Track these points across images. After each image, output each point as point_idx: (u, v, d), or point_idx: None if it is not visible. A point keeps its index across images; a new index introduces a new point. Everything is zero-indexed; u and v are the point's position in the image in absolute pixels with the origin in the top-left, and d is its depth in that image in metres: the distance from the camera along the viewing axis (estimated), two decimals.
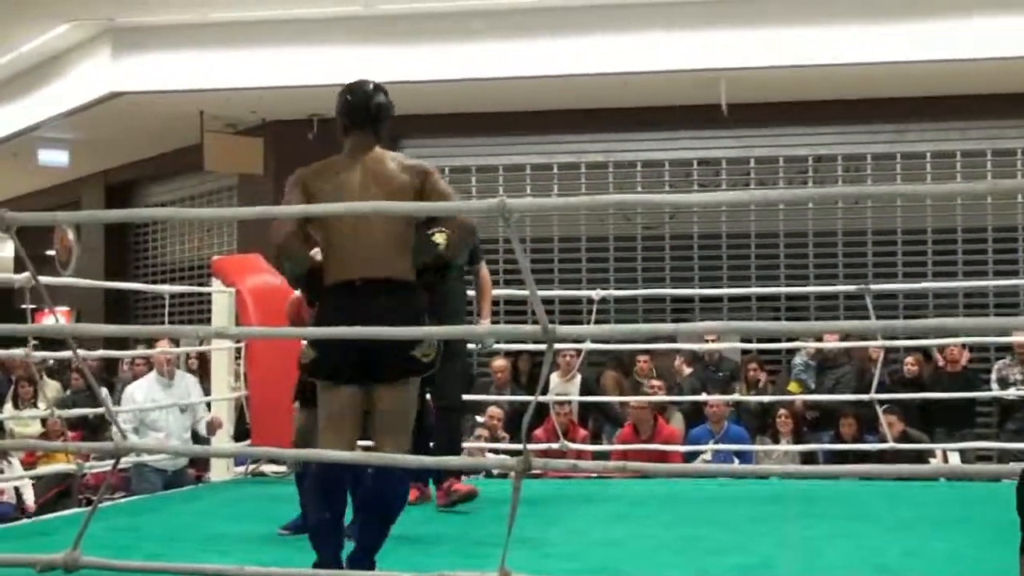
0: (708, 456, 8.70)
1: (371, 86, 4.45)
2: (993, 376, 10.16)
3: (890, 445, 7.89)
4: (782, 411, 9.48)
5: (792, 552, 5.21)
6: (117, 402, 10.75)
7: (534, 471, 3.70)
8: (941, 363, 10.13)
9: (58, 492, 9.89)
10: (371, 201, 4.17)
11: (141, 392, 8.37)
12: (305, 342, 4.47)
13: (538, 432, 8.79)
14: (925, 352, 10.02)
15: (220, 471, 8.32)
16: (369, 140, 4.37)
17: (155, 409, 8.20)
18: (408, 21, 11.39)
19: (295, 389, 5.75)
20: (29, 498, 9.80)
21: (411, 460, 4.14)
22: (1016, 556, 3.16)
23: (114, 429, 4.88)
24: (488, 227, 12.07)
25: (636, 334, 5.37)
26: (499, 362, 10.38)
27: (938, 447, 8.91)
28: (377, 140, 4.40)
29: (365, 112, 4.39)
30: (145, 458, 8.10)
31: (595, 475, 7.07)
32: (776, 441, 9.51)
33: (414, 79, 11.43)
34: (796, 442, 9.22)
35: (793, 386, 10.24)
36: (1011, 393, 9.43)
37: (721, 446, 8.74)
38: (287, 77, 11.66)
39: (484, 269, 6.73)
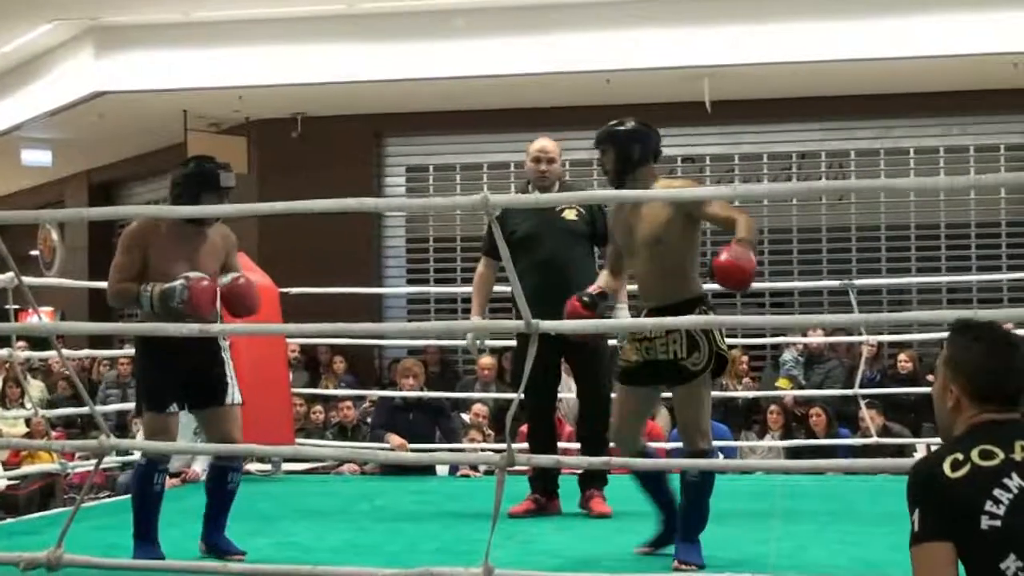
0: None
1: None
2: None
3: (874, 440, 7.95)
4: (772, 407, 9.45)
5: (777, 547, 5.22)
6: (101, 402, 10.77)
7: (520, 467, 3.71)
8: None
9: (39, 489, 9.88)
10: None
11: None
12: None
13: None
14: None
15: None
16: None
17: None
18: (391, 19, 11.37)
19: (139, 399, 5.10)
20: None
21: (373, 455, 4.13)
22: None
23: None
24: None
25: (617, 328, 5.37)
26: (485, 359, 10.37)
27: (920, 441, 8.94)
28: None
29: None
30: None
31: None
32: (762, 437, 9.50)
33: (398, 77, 11.45)
34: (784, 439, 9.21)
35: (783, 382, 10.22)
36: None
37: None
38: (270, 76, 11.62)
39: None
